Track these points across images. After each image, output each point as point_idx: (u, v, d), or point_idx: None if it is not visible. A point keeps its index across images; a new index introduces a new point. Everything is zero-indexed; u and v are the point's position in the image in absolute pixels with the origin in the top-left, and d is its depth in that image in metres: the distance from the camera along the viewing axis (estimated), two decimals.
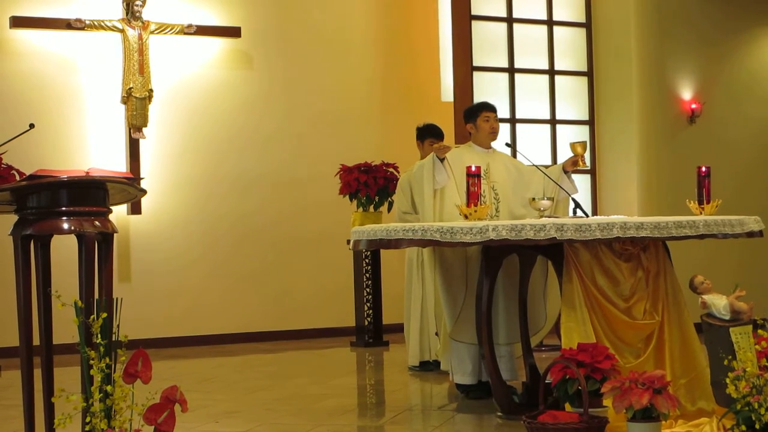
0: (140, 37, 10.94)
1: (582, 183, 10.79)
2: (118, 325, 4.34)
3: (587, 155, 7.57)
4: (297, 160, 11.75)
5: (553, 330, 7.67)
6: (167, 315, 11.12)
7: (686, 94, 11.60)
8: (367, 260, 10.84)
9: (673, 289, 6.60)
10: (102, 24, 10.85)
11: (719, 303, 6.38)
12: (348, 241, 8.18)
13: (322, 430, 6.42)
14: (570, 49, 11.58)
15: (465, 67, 10.86)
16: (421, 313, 8.98)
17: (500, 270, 6.74)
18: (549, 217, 6.84)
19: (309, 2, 11.92)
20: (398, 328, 10.04)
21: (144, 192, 5.16)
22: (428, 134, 9.24)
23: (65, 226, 4.70)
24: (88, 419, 4.25)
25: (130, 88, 10.86)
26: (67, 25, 10.73)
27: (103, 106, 10.97)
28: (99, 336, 4.25)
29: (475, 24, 10.97)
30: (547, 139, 11.37)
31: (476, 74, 10.94)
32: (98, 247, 4.78)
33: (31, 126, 6.02)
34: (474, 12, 10.96)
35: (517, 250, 6.76)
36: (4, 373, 8.91)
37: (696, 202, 7.07)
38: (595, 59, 11.58)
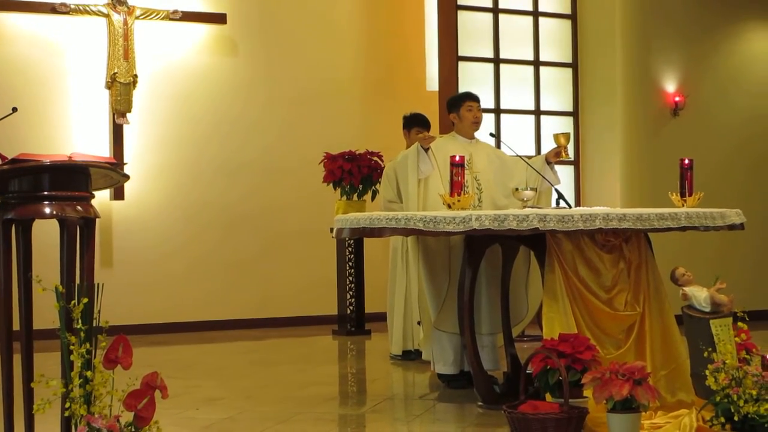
0: (125, 23, 10.90)
1: (565, 174, 10.81)
2: (99, 311, 4.34)
3: (570, 146, 7.58)
4: (281, 147, 11.74)
5: (534, 320, 7.69)
6: (149, 301, 11.10)
7: (670, 86, 11.62)
8: (350, 249, 10.84)
9: (654, 281, 6.62)
10: (87, 8, 10.81)
11: (700, 295, 6.40)
12: (331, 230, 8.19)
13: (303, 417, 6.42)
14: (555, 40, 11.59)
15: (450, 57, 10.86)
16: (405, 302, 8.98)
17: (483, 260, 6.75)
18: (532, 207, 6.85)
19: None
20: (380, 317, 10.04)
21: (127, 177, 5.14)
22: (415, 123, 9.25)
23: (47, 210, 4.68)
24: (67, 405, 4.24)
25: (115, 74, 10.83)
26: (51, 9, 10.70)
27: (87, 91, 10.94)
28: (79, 321, 4.24)
29: (461, 14, 10.97)
30: (531, 129, 11.38)
31: (461, 64, 10.94)
32: (80, 232, 4.76)
33: (14, 110, 5.98)
34: (460, 2, 10.95)
35: (499, 240, 6.78)
36: None
37: (678, 194, 7.09)
38: (580, 51, 11.59)
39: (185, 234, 11.37)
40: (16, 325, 4.79)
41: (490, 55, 11.19)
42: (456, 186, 6.49)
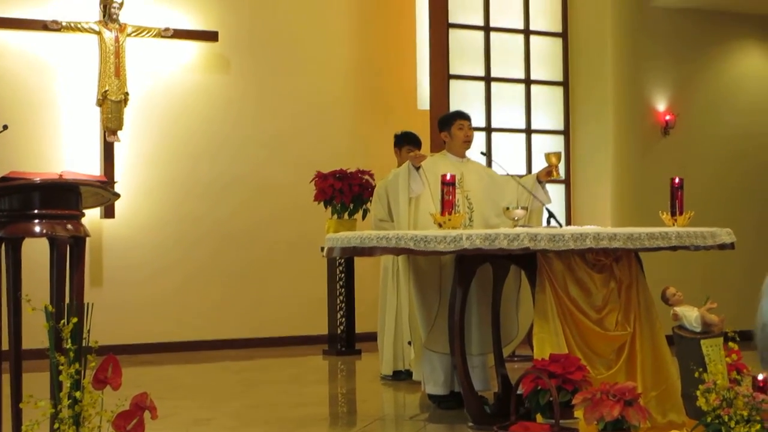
0: (117, 40, 10.89)
1: (556, 193, 10.81)
2: (88, 331, 4.32)
3: (561, 165, 7.59)
4: (272, 165, 11.72)
5: (525, 340, 7.67)
6: (139, 321, 11.05)
7: (661, 105, 11.64)
8: (340, 268, 10.82)
9: (645, 301, 6.62)
10: (78, 26, 10.80)
11: (691, 315, 6.39)
12: (322, 249, 8.19)
13: None
14: (546, 58, 11.60)
15: (442, 75, 10.86)
16: (396, 322, 8.96)
17: (474, 279, 6.74)
18: (523, 226, 6.85)
19: (286, 7, 11.91)
20: (371, 337, 10.02)
21: (117, 196, 5.14)
22: (406, 142, 9.25)
23: (37, 229, 4.67)
24: (56, 426, 4.22)
25: (106, 91, 10.81)
26: (43, 26, 10.68)
27: (78, 109, 10.92)
28: (69, 341, 4.23)
29: (452, 32, 10.98)
30: (522, 148, 11.38)
31: (453, 82, 10.95)
32: (70, 251, 4.75)
33: (5, 127, 5.96)
34: (451, 20, 10.96)
35: (490, 259, 6.77)
36: None
37: (669, 213, 7.10)
38: (571, 69, 11.61)
39: (175, 253, 11.34)
40: (4, 345, 4.77)
41: (482, 73, 11.20)
42: (447, 205, 6.48)
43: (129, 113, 10.99)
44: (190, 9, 11.43)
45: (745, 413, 5.25)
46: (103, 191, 4.97)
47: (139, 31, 11.05)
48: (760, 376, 5.50)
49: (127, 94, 10.91)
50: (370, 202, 9.79)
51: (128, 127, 11.00)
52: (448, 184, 6.52)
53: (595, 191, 11.38)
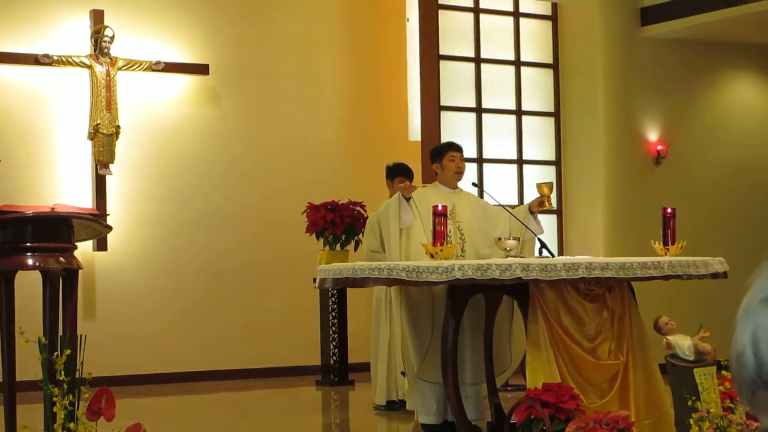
0: (108, 73, 10.91)
1: (548, 223, 10.83)
2: (81, 362, 4.32)
3: (553, 195, 7.61)
4: (263, 197, 11.73)
5: (518, 369, 7.67)
6: (132, 352, 11.03)
7: (652, 135, 11.69)
8: (333, 298, 10.81)
9: (637, 330, 6.63)
10: (70, 60, 10.82)
11: (683, 344, 6.41)
12: (314, 280, 8.18)
13: None
14: (537, 89, 11.66)
15: (433, 107, 10.90)
16: (389, 352, 8.95)
17: (466, 309, 6.74)
18: (515, 257, 6.86)
19: (277, 41, 11.95)
20: (364, 367, 10.00)
21: (109, 228, 5.15)
22: (398, 173, 9.27)
23: (30, 261, 4.67)
24: None
25: (97, 124, 10.82)
26: (34, 60, 10.70)
27: (69, 142, 10.93)
28: (62, 373, 4.23)
29: (443, 64, 11.03)
30: (513, 178, 11.41)
31: (444, 114, 10.98)
32: (63, 284, 4.75)
33: None
34: (442, 52, 11.02)
35: (483, 289, 6.78)
36: None
37: (661, 242, 7.11)
38: (562, 100, 11.66)
39: (168, 284, 11.33)
40: None
41: (473, 104, 11.24)
42: (439, 236, 6.49)
43: (120, 146, 11.00)
44: (180, 42, 11.47)
45: None
46: (96, 224, 4.98)
47: (131, 64, 11.07)
48: None
49: (118, 127, 10.91)
50: (362, 233, 9.80)
51: (120, 160, 11.01)
52: (440, 215, 6.53)
53: (587, 221, 11.41)
